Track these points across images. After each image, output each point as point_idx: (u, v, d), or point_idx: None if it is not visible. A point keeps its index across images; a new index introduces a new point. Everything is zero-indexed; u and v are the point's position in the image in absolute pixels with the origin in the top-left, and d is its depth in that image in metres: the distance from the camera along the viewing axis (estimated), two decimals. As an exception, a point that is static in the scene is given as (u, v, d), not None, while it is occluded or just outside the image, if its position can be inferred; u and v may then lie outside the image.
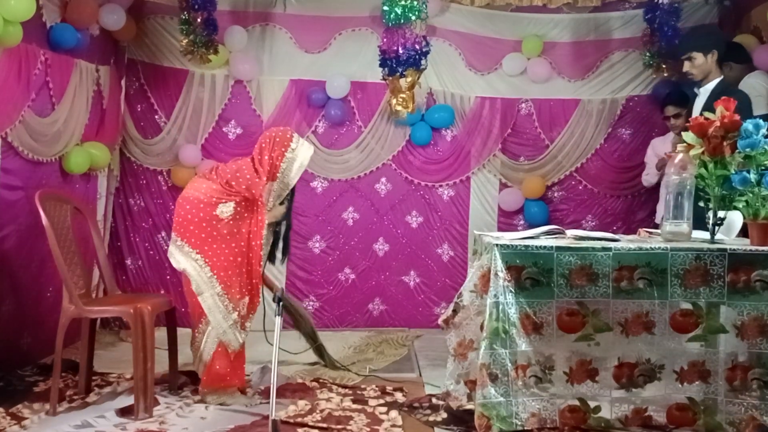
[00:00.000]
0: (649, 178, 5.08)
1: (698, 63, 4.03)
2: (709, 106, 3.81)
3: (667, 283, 2.91)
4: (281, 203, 3.66)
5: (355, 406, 3.47)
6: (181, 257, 3.49)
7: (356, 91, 5.34)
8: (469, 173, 5.46)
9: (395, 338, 4.97)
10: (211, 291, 3.47)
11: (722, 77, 4.06)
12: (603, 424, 2.99)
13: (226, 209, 3.45)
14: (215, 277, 3.46)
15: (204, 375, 3.52)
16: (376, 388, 3.75)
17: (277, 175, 3.54)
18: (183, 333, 3.76)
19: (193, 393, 3.61)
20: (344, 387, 3.79)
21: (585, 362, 2.98)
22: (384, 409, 3.41)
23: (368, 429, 3.15)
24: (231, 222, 3.48)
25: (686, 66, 4.09)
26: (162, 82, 5.23)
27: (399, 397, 3.64)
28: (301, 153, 3.60)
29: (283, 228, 3.77)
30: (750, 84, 4.24)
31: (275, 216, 3.65)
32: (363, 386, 3.81)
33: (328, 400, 3.55)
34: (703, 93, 4.06)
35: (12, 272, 3.92)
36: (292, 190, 3.68)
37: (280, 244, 3.80)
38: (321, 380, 3.88)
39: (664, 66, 5.03)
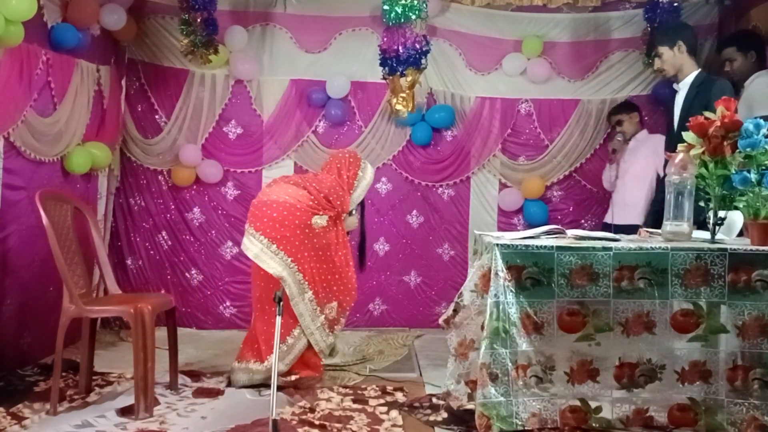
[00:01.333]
0: (605, 175, 5.19)
1: (666, 57, 3.99)
2: (690, 101, 3.86)
3: (668, 283, 2.91)
4: (350, 214, 3.98)
5: (355, 405, 3.47)
6: (277, 264, 3.65)
7: (356, 91, 5.35)
8: (469, 173, 5.46)
9: (396, 338, 4.97)
10: (303, 296, 3.70)
11: (699, 70, 4.01)
12: (604, 424, 2.99)
13: (320, 221, 3.71)
14: (306, 283, 3.69)
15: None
16: (377, 388, 3.75)
17: (351, 192, 3.92)
18: (183, 332, 3.76)
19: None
20: (344, 387, 3.79)
21: (586, 362, 2.98)
22: (384, 409, 3.41)
23: (368, 429, 3.15)
24: (321, 233, 3.73)
25: (656, 64, 4.06)
26: (162, 82, 5.23)
27: (399, 397, 3.64)
28: (368, 173, 4.00)
29: (358, 238, 4.18)
30: (758, 83, 4.11)
31: (348, 226, 3.98)
32: (363, 386, 3.81)
33: (328, 399, 3.55)
34: (683, 87, 4.01)
35: (13, 272, 3.92)
36: (362, 204, 4.05)
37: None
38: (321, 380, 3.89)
39: (663, 66, 5.02)
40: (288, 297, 3.64)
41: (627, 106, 5.06)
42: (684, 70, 4.00)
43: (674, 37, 3.99)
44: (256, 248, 3.68)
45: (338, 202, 3.78)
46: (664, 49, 4.00)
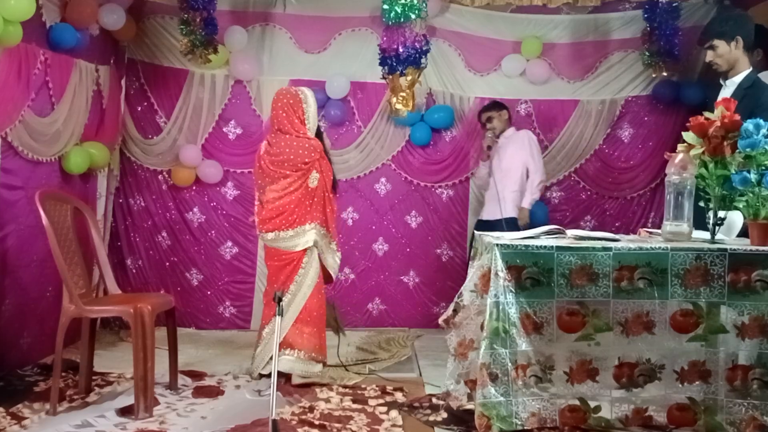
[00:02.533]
0: (478, 172, 5.29)
1: (721, 52, 3.74)
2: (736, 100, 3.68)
3: (668, 283, 2.91)
4: None
5: (355, 406, 3.47)
6: (307, 237, 3.84)
7: (356, 92, 5.35)
8: (468, 174, 5.46)
9: (396, 338, 4.97)
10: (326, 243, 3.93)
11: (751, 69, 3.79)
12: (603, 424, 2.99)
13: (313, 178, 3.86)
14: (327, 230, 3.92)
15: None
16: (377, 388, 3.75)
17: (307, 126, 3.92)
18: (183, 333, 3.76)
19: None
20: (344, 387, 3.79)
21: (585, 362, 2.98)
22: (384, 409, 3.41)
23: (368, 429, 3.15)
24: (320, 183, 3.88)
25: (709, 56, 3.81)
26: (162, 82, 5.23)
27: (399, 397, 3.64)
28: (310, 99, 3.96)
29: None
30: None
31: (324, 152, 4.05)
32: (363, 386, 3.81)
33: (328, 399, 3.55)
34: (730, 86, 3.80)
35: (12, 272, 3.92)
36: (319, 129, 4.05)
37: None
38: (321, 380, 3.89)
39: (663, 66, 5.03)
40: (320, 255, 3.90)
41: (496, 105, 5.14)
42: (737, 67, 3.77)
43: (735, 31, 3.73)
44: (291, 237, 3.84)
45: (315, 155, 3.85)
46: (720, 43, 3.74)
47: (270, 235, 3.85)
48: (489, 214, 5.06)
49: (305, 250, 3.85)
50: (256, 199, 4.02)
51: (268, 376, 3.61)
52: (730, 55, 3.75)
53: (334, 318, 4.32)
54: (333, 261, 4.00)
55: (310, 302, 3.86)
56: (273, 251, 3.91)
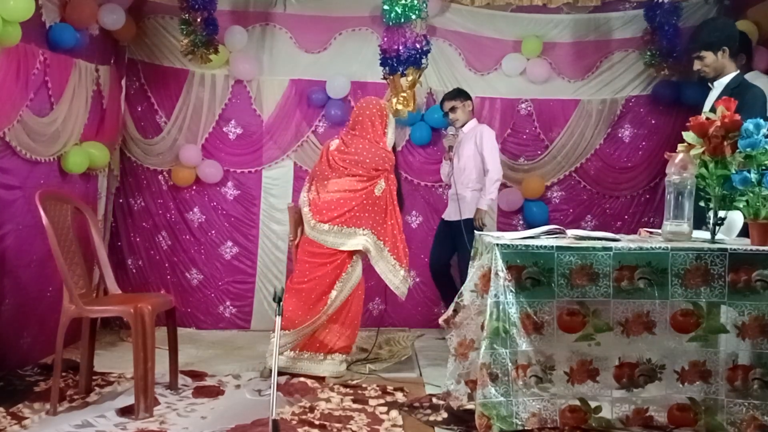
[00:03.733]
0: (442, 170, 5.17)
1: (709, 62, 3.91)
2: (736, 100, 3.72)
3: (668, 283, 2.91)
4: None
5: (355, 405, 3.47)
6: (357, 240, 3.96)
7: (356, 91, 5.34)
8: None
9: (396, 338, 4.97)
10: (382, 255, 4.02)
11: (738, 72, 3.94)
12: (604, 424, 2.99)
13: (379, 187, 4.02)
14: (383, 242, 4.02)
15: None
16: (377, 388, 3.75)
17: (386, 140, 4.14)
18: (183, 333, 3.76)
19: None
20: (345, 387, 3.79)
21: (585, 362, 2.98)
22: (384, 409, 3.41)
23: (368, 429, 3.15)
24: (384, 194, 4.04)
25: (696, 65, 3.97)
26: (162, 82, 5.23)
27: (399, 397, 3.64)
28: (393, 118, 4.23)
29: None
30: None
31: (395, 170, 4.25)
32: (363, 386, 3.81)
33: (328, 399, 3.55)
34: (717, 87, 3.94)
35: (11, 272, 3.92)
36: (394, 147, 4.22)
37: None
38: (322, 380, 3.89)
39: (664, 65, 5.03)
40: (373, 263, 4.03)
41: (462, 94, 4.98)
42: (723, 71, 3.94)
43: (721, 41, 3.90)
44: (349, 239, 3.96)
45: (388, 165, 4.04)
46: (707, 54, 3.92)
47: (325, 227, 3.95)
48: (450, 214, 4.96)
49: (352, 253, 3.97)
50: (308, 190, 4.12)
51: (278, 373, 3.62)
52: (717, 64, 3.93)
53: None
54: (393, 275, 4.06)
55: (347, 304, 3.99)
56: (315, 245, 3.98)
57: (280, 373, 3.70)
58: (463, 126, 4.95)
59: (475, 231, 4.30)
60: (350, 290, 3.99)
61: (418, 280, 5.46)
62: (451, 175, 4.92)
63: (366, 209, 3.99)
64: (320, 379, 3.87)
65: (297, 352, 3.95)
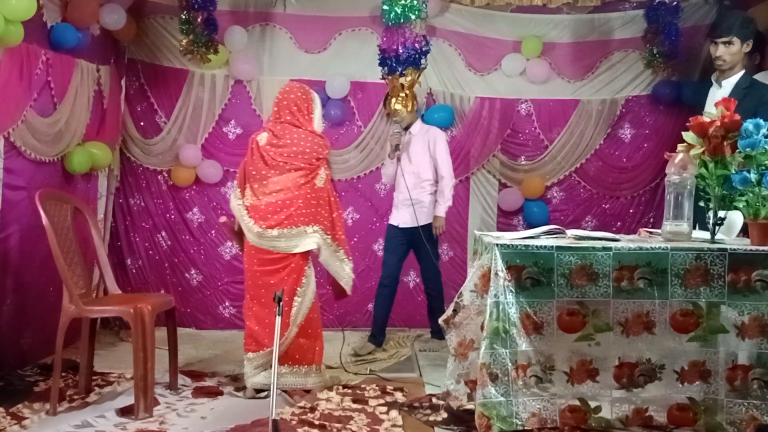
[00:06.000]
0: (385, 170, 4.91)
1: (735, 50, 3.80)
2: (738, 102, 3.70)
3: (668, 283, 2.91)
4: None
5: (355, 405, 3.47)
6: (309, 239, 3.66)
7: (356, 91, 5.35)
8: (468, 173, 5.47)
9: (396, 338, 4.97)
10: (331, 248, 3.72)
11: (744, 71, 3.89)
12: (603, 424, 2.99)
13: (320, 177, 3.72)
14: (330, 236, 3.71)
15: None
16: (377, 388, 3.75)
17: (313, 125, 3.82)
18: (183, 333, 3.76)
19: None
20: (344, 387, 3.79)
21: (585, 362, 2.98)
22: (384, 408, 3.42)
23: (368, 429, 3.15)
24: (325, 185, 3.76)
25: (720, 50, 3.84)
26: (162, 82, 5.23)
27: (399, 397, 3.64)
28: (317, 99, 3.87)
29: None
30: None
31: None
32: (363, 386, 3.81)
33: (328, 399, 3.56)
34: (726, 86, 3.87)
35: (13, 272, 3.92)
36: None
37: None
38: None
39: (664, 65, 5.03)
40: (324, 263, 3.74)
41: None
42: (735, 68, 3.86)
43: (749, 33, 3.79)
44: (296, 240, 3.64)
45: (324, 151, 3.74)
46: (737, 41, 3.79)
47: (274, 232, 3.60)
48: (402, 220, 4.67)
49: (306, 255, 3.69)
50: (240, 196, 3.75)
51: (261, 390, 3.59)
52: (738, 56, 3.82)
53: None
54: (342, 271, 3.77)
55: (312, 313, 3.72)
56: (264, 251, 3.62)
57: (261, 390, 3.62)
58: (408, 127, 4.72)
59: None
60: (311, 300, 3.70)
61: (418, 280, 5.46)
62: (401, 176, 4.62)
63: (311, 204, 3.65)
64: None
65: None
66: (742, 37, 3.79)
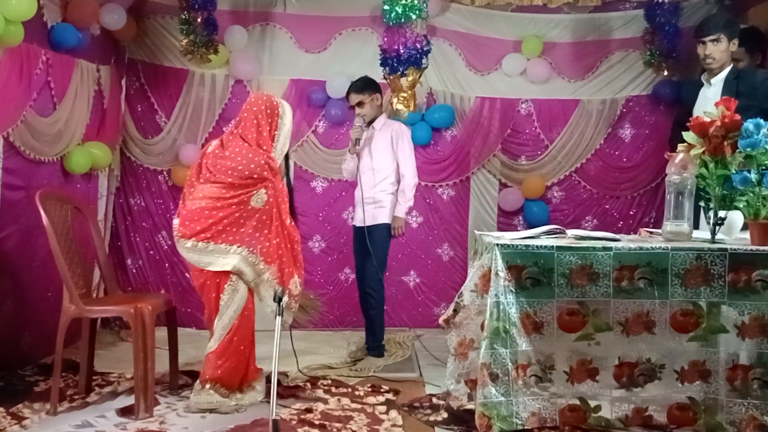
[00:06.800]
0: (345, 165, 4.69)
1: (723, 47, 3.80)
2: (732, 93, 3.63)
3: (668, 283, 2.91)
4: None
5: (355, 405, 3.47)
6: (228, 259, 3.39)
7: (356, 91, 5.34)
8: (468, 173, 5.47)
9: (396, 338, 4.97)
10: (262, 278, 3.44)
11: (732, 65, 3.89)
12: (603, 423, 2.99)
13: (258, 197, 3.44)
14: (263, 262, 3.42)
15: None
16: (376, 388, 3.75)
17: (275, 144, 3.54)
18: (183, 333, 3.76)
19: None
20: (343, 387, 3.79)
21: (585, 362, 2.99)
22: (384, 408, 3.42)
23: (368, 429, 3.15)
24: (267, 207, 3.46)
25: (709, 48, 3.83)
26: (162, 82, 5.23)
27: (399, 397, 3.63)
28: (287, 118, 3.59)
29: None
30: None
31: (286, 178, 3.69)
32: (362, 386, 3.81)
33: (327, 400, 3.55)
34: (716, 83, 3.87)
35: (13, 272, 3.92)
36: (287, 155, 3.66)
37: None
38: (321, 380, 3.89)
39: (664, 65, 5.03)
40: (251, 287, 3.45)
41: (369, 86, 4.50)
42: (724, 66, 3.87)
43: (735, 31, 3.80)
44: (212, 256, 3.40)
45: (265, 173, 3.43)
46: (724, 38, 3.79)
47: (188, 243, 3.39)
48: (358, 219, 4.49)
49: (228, 274, 3.41)
50: (182, 200, 3.61)
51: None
52: (726, 54, 3.83)
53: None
54: (272, 301, 3.20)
55: (231, 335, 3.43)
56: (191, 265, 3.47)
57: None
58: (372, 122, 4.52)
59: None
60: (231, 320, 3.45)
61: (418, 280, 5.47)
62: (361, 174, 4.45)
63: (240, 223, 3.39)
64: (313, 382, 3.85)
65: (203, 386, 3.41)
66: (729, 35, 3.81)
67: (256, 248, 3.42)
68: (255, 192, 3.43)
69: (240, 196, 3.40)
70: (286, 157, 3.66)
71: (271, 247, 3.43)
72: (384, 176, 4.45)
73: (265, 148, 3.49)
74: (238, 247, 3.39)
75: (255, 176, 3.42)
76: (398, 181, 4.47)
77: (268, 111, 3.54)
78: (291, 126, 3.63)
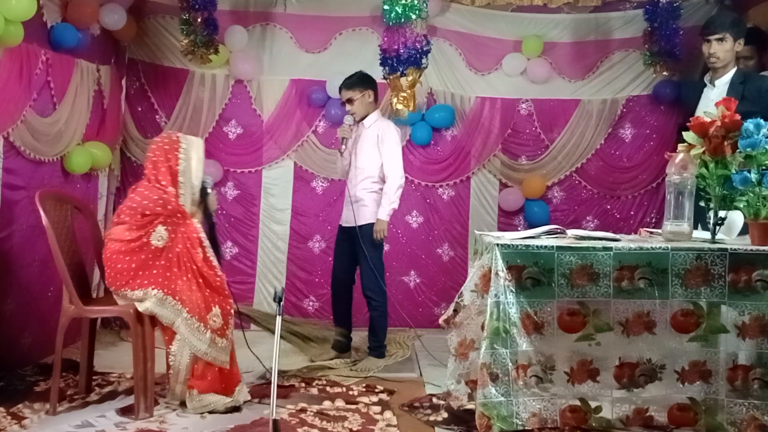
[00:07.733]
0: (338, 163, 4.61)
1: (728, 47, 3.78)
2: (737, 96, 3.57)
3: (668, 283, 2.91)
4: (205, 195, 3.55)
5: (350, 406, 3.47)
6: (146, 303, 3.32)
7: (356, 91, 5.34)
8: (469, 173, 5.46)
9: (397, 338, 4.97)
10: (180, 317, 3.33)
11: (737, 68, 3.89)
12: (604, 424, 2.99)
13: (159, 236, 3.35)
14: (179, 302, 3.33)
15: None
16: (371, 389, 3.75)
17: (180, 179, 3.43)
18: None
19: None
20: (339, 387, 3.79)
21: (586, 362, 2.98)
22: (378, 408, 3.41)
23: (363, 429, 3.15)
24: (170, 244, 3.37)
25: (714, 47, 3.82)
26: (162, 82, 5.23)
27: (395, 397, 3.62)
28: (194, 148, 3.50)
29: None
30: None
31: (211, 206, 3.60)
32: (359, 386, 3.81)
33: (325, 400, 3.55)
34: (719, 85, 3.86)
35: (13, 272, 3.92)
36: (204, 188, 3.55)
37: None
38: (319, 380, 3.89)
39: (664, 66, 5.03)
40: (167, 324, 3.35)
41: (361, 82, 4.38)
42: (728, 67, 3.85)
43: (740, 31, 3.78)
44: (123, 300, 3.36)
45: (158, 209, 3.34)
46: (729, 37, 3.77)
47: (116, 293, 3.35)
48: (345, 218, 4.42)
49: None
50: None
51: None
52: (731, 54, 3.82)
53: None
54: (194, 339, 3.29)
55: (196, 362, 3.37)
56: None
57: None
58: (363, 119, 4.41)
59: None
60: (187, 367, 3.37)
61: (419, 280, 5.46)
62: (346, 172, 4.42)
63: (148, 265, 3.31)
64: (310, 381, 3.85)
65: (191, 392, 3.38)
66: (734, 34, 3.79)
67: (169, 287, 3.33)
68: (153, 230, 3.34)
69: (141, 239, 3.32)
70: (204, 193, 3.54)
71: (182, 285, 3.34)
72: (366, 175, 4.33)
73: (163, 183, 3.39)
74: (153, 289, 3.31)
75: (148, 212, 3.33)
76: (383, 181, 4.33)
77: (166, 147, 3.45)
78: (201, 159, 3.52)
